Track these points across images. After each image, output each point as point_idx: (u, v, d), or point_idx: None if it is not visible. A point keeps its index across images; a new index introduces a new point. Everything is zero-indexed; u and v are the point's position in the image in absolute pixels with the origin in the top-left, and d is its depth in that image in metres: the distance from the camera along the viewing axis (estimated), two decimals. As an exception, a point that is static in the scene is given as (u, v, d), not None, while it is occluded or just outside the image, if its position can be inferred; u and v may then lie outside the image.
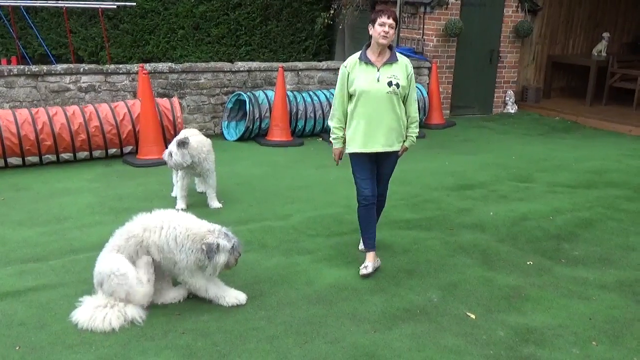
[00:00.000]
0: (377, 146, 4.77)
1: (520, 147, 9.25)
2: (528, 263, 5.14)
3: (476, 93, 11.76)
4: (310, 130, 9.49)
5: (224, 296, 4.25)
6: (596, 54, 12.68)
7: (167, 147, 7.88)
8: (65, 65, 8.61)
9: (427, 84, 10.79)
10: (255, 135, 9.19)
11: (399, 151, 4.91)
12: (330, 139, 4.99)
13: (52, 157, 7.50)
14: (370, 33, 4.69)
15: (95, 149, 7.69)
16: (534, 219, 6.16)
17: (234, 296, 4.28)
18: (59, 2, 11.69)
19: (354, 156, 4.86)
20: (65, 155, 7.56)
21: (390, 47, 4.76)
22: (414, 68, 4.94)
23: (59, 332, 3.87)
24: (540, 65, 12.85)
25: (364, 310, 4.28)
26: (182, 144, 5.80)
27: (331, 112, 4.93)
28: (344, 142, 4.90)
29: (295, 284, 4.64)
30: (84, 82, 8.56)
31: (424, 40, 11.29)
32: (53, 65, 8.59)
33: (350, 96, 4.78)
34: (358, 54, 4.81)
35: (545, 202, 6.67)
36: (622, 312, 4.36)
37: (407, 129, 4.90)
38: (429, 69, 10.93)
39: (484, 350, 3.83)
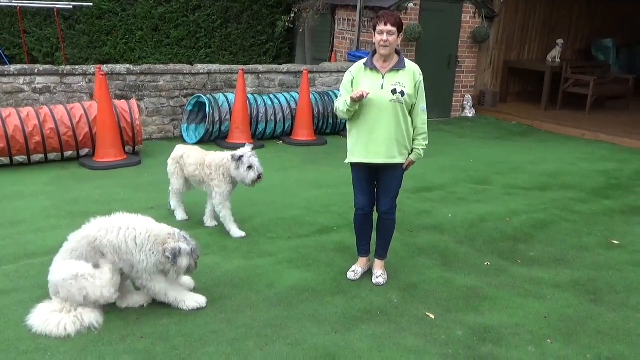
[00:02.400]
0: (378, 157, 4.50)
1: (478, 151, 9.41)
2: (486, 264, 5.23)
3: (435, 97, 11.89)
4: (270, 133, 9.48)
5: (183, 300, 4.21)
6: (550, 60, 12.99)
7: (125, 150, 7.79)
8: (19, 66, 8.40)
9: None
10: (216, 138, 9.14)
11: (403, 164, 4.57)
12: (347, 104, 4.41)
13: (5, 160, 7.31)
14: (373, 41, 4.47)
15: (50, 152, 7.52)
16: (491, 220, 6.27)
17: (194, 300, 4.24)
18: (13, 1, 11.43)
19: (354, 166, 4.66)
20: (19, 158, 7.38)
21: (398, 53, 4.49)
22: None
23: (12, 339, 3.78)
24: (497, 70, 13.11)
25: (324, 311, 4.30)
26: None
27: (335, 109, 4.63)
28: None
29: (255, 286, 4.63)
30: (38, 83, 8.37)
31: (384, 45, 11.37)
32: (6, 66, 8.38)
33: None
34: (365, 59, 4.55)
35: (502, 204, 6.80)
36: (576, 311, 4.47)
37: (413, 141, 4.56)
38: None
39: (443, 350, 3.88)
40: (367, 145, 4.51)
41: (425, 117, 4.55)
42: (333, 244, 5.49)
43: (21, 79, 8.27)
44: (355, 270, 4.90)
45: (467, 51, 12.06)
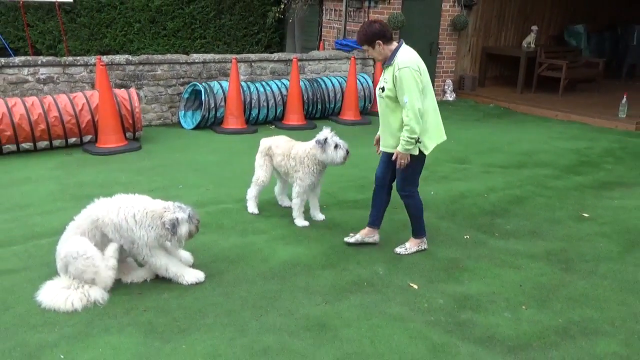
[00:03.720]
0: (383, 146, 4.74)
1: (458, 132, 9.41)
2: (465, 237, 5.27)
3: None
4: (263, 118, 9.46)
5: (183, 275, 4.22)
6: (526, 45, 12.97)
7: (125, 136, 7.76)
8: (23, 58, 8.31)
9: (372, 73, 10.87)
10: (211, 123, 9.10)
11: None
12: None
13: (13, 147, 7.26)
14: None
15: (55, 139, 7.47)
16: (471, 197, 6.30)
17: (193, 275, 4.26)
18: (16, -4, 11.27)
19: None
20: (26, 145, 7.33)
21: (396, 47, 4.48)
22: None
23: (23, 314, 3.79)
24: (475, 56, 13.08)
25: (315, 284, 4.32)
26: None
27: None
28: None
29: (251, 261, 4.64)
30: (42, 74, 8.29)
31: (369, 33, 11.33)
32: (11, 58, 8.29)
33: None
34: None
35: (480, 182, 6.83)
36: (549, 279, 4.52)
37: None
38: (374, 59, 11.00)
39: (426, 317, 3.92)
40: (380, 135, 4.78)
41: (409, 109, 4.31)
42: (323, 221, 5.50)
43: (25, 70, 8.18)
44: (353, 234, 5.02)
45: (447, 38, 12.03)
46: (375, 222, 4.99)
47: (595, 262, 4.85)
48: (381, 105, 4.61)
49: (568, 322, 3.91)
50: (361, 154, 7.62)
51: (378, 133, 4.91)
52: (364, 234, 5.00)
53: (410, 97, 4.31)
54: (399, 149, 4.48)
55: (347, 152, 5.12)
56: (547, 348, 3.62)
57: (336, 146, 5.07)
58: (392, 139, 4.59)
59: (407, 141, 4.41)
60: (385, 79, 4.48)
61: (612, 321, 3.94)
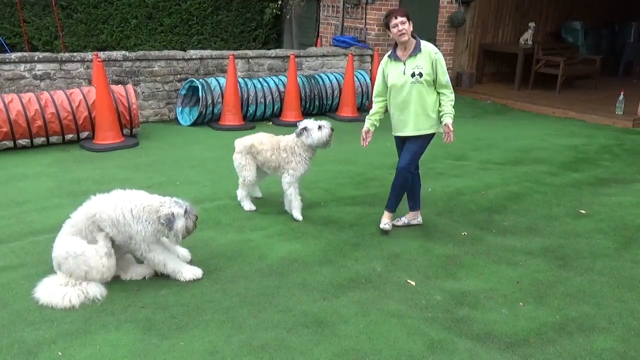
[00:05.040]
0: (407, 131, 4.98)
1: (456, 129, 9.30)
2: (463, 234, 5.28)
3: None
4: (260, 115, 9.44)
5: (181, 271, 4.22)
6: (523, 42, 12.98)
7: (123, 132, 7.75)
8: (19, 54, 8.29)
9: (370, 70, 10.85)
10: (209, 120, 9.08)
11: (429, 134, 4.99)
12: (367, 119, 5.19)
13: (9, 144, 7.24)
14: (389, 35, 4.91)
15: (52, 135, 7.45)
16: (468, 193, 6.31)
17: (190, 271, 4.25)
18: (12, -9, 11.23)
19: (394, 137, 5.19)
20: (22, 142, 7.31)
21: (415, 37, 4.85)
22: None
23: (20, 310, 3.78)
24: (473, 52, 13.07)
25: (313, 280, 4.32)
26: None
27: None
28: (374, 126, 5.15)
29: (248, 258, 4.64)
30: (38, 70, 8.27)
31: (366, 30, 11.34)
32: (7, 54, 8.26)
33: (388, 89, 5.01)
34: (390, 52, 4.99)
35: (478, 178, 6.84)
36: (546, 276, 4.53)
37: (441, 107, 4.93)
38: (372, 56, 10.99)
39: (423, 314, 3.93)
40: (398, 122, 5.03)
41: (450, 86, 4.91)
42: (320, 218, 5.50)
43: (22, 66, 8.15)
44: (386, 222, 5.23)
45: (445, 35, 12.03)
46: (414, 206, 5.38)
47: (592, 258, 4.86)
48: (412, 91, 4.85)
49: (565, 319, 3.92)
50: (358, 150, 7.62)
51: (368, 126, 5.11)
52: (389, 219, 5.25)
53: (448, 76, 4.91)
54: (450, 122, 4.87)
55: (332, 129, 5.27)
56: (545, 344, 3.63)
57: (320, 127, 5.23)
58: (427, 119, 4.93)
59: (452, 109, 4.91)
60: (419, 66, 4.80)
61: (609, 317, 3.95)
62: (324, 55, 10.75)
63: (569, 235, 5.31)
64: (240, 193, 5.64)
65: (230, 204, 5.74)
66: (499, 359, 3.47)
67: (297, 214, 5.41)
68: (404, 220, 5.38)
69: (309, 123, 5.27)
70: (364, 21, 11.34)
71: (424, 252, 4.88)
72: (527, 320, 3.88)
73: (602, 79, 13.35)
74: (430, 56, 4.82)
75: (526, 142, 8.68)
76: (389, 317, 3.85)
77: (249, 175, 5.49)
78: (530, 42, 12.87)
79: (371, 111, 5.16)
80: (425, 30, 11.64)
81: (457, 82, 12.71)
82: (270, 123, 9.37)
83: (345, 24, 11.69)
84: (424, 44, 4.89)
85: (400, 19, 4.75)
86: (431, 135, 5.04)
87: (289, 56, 9.56)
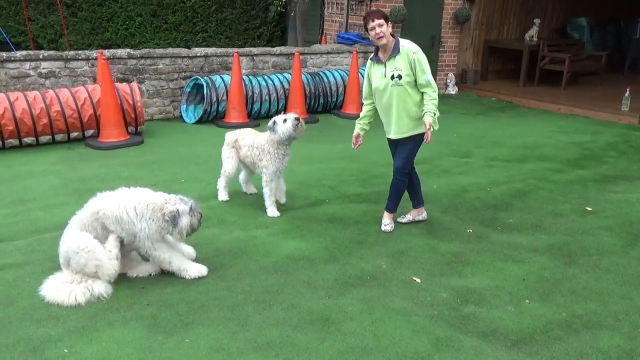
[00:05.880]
0: (391, 134, 5.01)
1: (461, 126, 9.40)
2: (468, 231, 5.26)
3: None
4: (265, 112, 9.43)
5: (186, 269, 4.22)
6: (528, 38, 12.93)
7: (128, 130, 7.76)
8: (24, 52, 8.30)
9: (375, 67, 10.83)
10: (213, 117, 9.08)
11: (416, 135, 4.91)
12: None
13: (15, 142, 7.26)
14: (370, 38, 4.85)
15: (57, 133, 7.47)
16: (473, 190, 6.29)
17: (196, 269, 4.26)
18: (17, -10, 11.26)
19: (387, 140, 5.18)
20: (28, 140, 7.33)
21: (394, 37, 4.81)
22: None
23: (27, 308, 3.79)
24: (478, 49, 13.03)
25: (318, 278, 4.32)
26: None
27: None
28: (363, 130, 5.17)
29: (253, 256, 4.64)
30: (44, 68, 8.28)
31: (371, 27, 11.30)
32: (13, 52, 8.28)
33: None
34: (372, 55, 4.98)
35: (483, 175, 6.82)
36: (552, 273, 4.51)
37: (423, 106, 4.79)
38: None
39: (429, 311, 3.92)
40: (386, 125, 5.04)
41: (432, 85, 4.74)
42: (325, 216, 5.50)
43: (27, 65, 8.17)
44: (386, 224, 5.24)
45: (450, 32, 11.99)
46: (417, 203, 5.39)
47: (598, 255, 4.84)
48: (393, 94, 4.81)
49: (571, 316, 3.91)
50: (362, 147, 7.60)
51: (358, 131, 5.15)
52: (390, 219, 5.25)
53: (429, 75, 4.76)
54: (431, 122, 4.70)
55: (297, 119, 5.29)
56: (551, 342, 3.61)
57: (285, 120, 5.28)
58: (411, 121, 4.88)
59: (435, 113, 4.75)
60: (398, 68, 4.74)
61: (616, 315, 3.94)
62: (328, 53, 10.73)
63: (574, 233, 5.29)
64: (220, 182, 5.84)
65: (235, 202, 5.74)
66: (504, 356, 3.46)
67: (270, 212, 5.48)
68: (408, 217, 5.39)
69: (277, 117, 5.35)
70: (368, 18, 11.31)
71: (429, 249, 4.87)
72: (533, 318, 3.87)
73: (608, 75, 13.29)
74: (409, 56, 4.72)
75: (531, 139, 8.65)
76: (394, 315, 3.85)
77: (229, 168, 5.69)
78: (535, 39, 12.82)
79: (361, 115, 5.18)
80: (429, 27, 11.64)
81: (461, 79, 12.67)
82: (275, 120, 9.36)
83: (349, 21, 11.67)
84: (403, 43, 4.78)
85: (377, 21, 4.69)
86: (420, 136, 4.92)
87: (294, 53, 9.55)
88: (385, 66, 4.80)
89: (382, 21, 4.69)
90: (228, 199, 5.81)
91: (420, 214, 5.42)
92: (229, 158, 5.68)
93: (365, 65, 10.61)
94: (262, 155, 5.43)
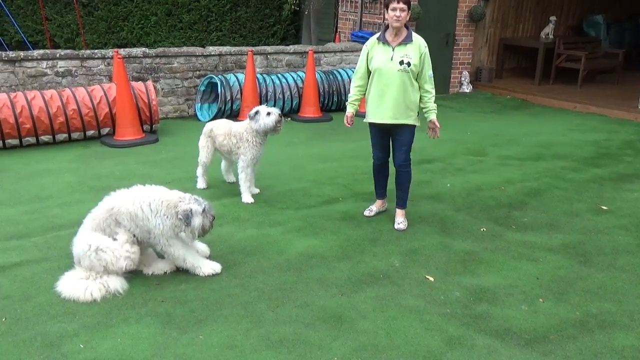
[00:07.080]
0: (386, 118, 4.96)
1: (475, 124, 9.36)
2: (482, 230, 5.24)
3: (433, 74, 11.79)
4: (279, 111, 9.46)
5: (200, 266, 4.25)
6: (544, 36, 12.83)
7: (143, 128, 7.81)
8: (41, 51, 8.39)
9: (389, 65, 10.81)
10: (227, 116, 9.11)
11: (411, 125, 5.00)
12: (349, 102, 5.24)
13: (32, 140, 7.35)
14: (386, 17, 4.87)
15: (73, 131, 7.55)
16: (487, 189, 6.26)
17: (209, 266, 4.28)
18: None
19: (369, 124, 5.14)
20: (45, 138, 7.41)
21: (407, 27, 4.88)
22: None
23: (43, 304, 3.84)
24: (492, 47, 12.96)
25: (331, 276, 4.33)
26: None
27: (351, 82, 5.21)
28: (357, 110, 5.21)
29: (267, 253, 4.66)
30: (60, 67, 8.37)
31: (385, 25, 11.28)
32: (30, 52, 8.37)
33: (370, 72, 5.00)
34: (378, 34, 4.99)
35: (497, 174, 6.79)
36: (567, 272, 4.49)
37: (422, 102, 4.97)
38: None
39: (442, 309, 3.91)
40: (377, 108, 4.98)
41: (432, 81, 4.96)
42: (339, 213, 5.51)
43: (44, 64, 8.26)
44: (371, 209, 5.49)
45: (464, 29, 11.92)
46: (383, 195, 5.50)
47: (613, 255, 4.80)
48: (397, 79, 4.85)
49: (586, 315, 3.88)
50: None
51: (352, 111, 5.16)
52: (379, 207, 5.49)
53: (431, 72, 4.94)
54: (435, 119, 4.98)
55: (280, 116, 5.47)
56: (565, 341, 3.60)
57: (268, 113, 5.44)
58: (407, 109, 4.93)
59: (434, 107, 4.97)
60: (408, 55, 4.81)
61: (631, 314, 3.91)
62: (342, 51, 10.73)
63: (590, 232, 5.25)
64: (198, 171, 6.08)
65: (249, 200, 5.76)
66: (518, 355, 3.45)
67: (245, 198, 5.68)
68: (374, 209, 5.48)
69: (262, 108, 5.49)
70: (382, 16, 11.29)
71: (442, 247, 4.86)
72: (546, 317, 3.85)
73: (625, 73, 13.14)
74: (420, 49, 4.85)
75: (546, 137, 8.59)
76: (407, 313, 3.85)
77: (203, 157, 5.93)
78: (551, 36, 12.71)
79: (352, 96, 5.16)
80: (444, 25, 11.58)
81: (476, 77, 12.61)
82: (289, 119, 9.37)
83: (363, 19, 11.65)
84: (415, 35, 4.90)
85: (401, 5, 4.73)
86: (414, 127, 5.04)
87: (308, 52, 9.57)
88: (393, 50, 4.84)
89: (405, 6, 4.74)
90: (206, 187, 6.05)
91: (384, 206, 5.54)
92: (205, 147, 5.90)
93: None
94: (240, 143, 5.62)
